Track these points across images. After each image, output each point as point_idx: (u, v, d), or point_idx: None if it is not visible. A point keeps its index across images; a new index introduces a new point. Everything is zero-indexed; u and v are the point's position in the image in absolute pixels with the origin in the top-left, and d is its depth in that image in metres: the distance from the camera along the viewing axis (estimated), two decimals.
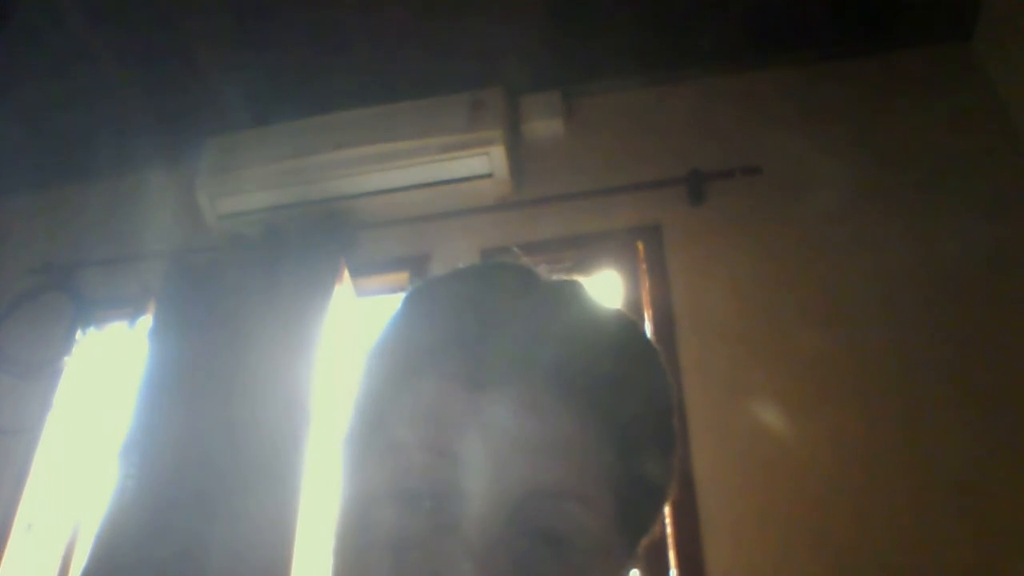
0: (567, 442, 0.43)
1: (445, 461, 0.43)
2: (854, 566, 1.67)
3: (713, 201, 2.19)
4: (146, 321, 2.34)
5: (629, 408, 0.46)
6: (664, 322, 2.03)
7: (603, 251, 2.20)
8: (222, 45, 2.40)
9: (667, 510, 1.79)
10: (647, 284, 2.12)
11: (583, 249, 2.20)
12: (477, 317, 0.46)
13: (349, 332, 2.15)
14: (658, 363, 0.51)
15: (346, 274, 2.22)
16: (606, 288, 2.13)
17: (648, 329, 2.04)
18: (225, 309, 2.14)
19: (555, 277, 0.52)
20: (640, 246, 2.18)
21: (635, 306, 2.08)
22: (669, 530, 1.78)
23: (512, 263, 0.53)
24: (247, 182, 2.39)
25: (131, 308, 2.45)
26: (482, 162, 2.27)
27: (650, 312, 2.07)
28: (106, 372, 2.46)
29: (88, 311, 2.49)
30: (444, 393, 0.44)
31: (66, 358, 2.43)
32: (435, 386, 0.45)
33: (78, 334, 2.45)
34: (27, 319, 2.50)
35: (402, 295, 0.54)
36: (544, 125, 2.43)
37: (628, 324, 0.52)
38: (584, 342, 0.47)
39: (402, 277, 2.33)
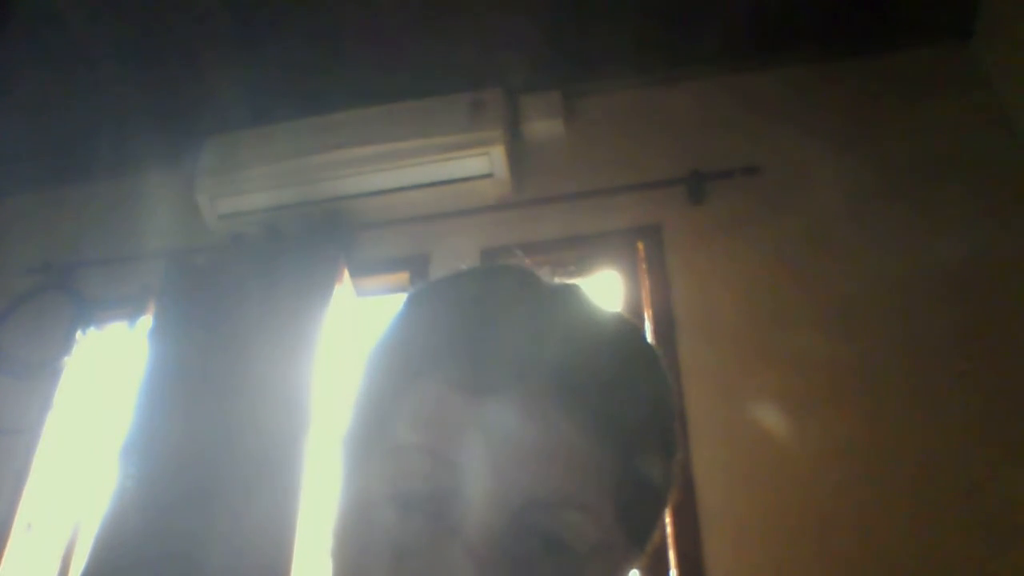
0: (567, 449, 0.43)
1: (446, 467, 0.43)
2: (854, 566, 1.67)
3: (713, 201, 2.19)
4: (146, 321, 2.34)
5: (629, 413, 0.46)
6: (664, 322, 2.03)
7: (603, 251, 2.20)
8: (222, 45, 2.40)
9: (667, 510, 1.79)
10: (647, 284, 2.11)
11: (583, 249, 2.20)
12: (478, 321, 0.46)
13: (349, 332, 2.14)
14: (659, 367, 0.51)
15: (346, 274, 2.22)
16: (606, 288, 2.13)
17: (648, 329, 2.04)
18: (225, 309, 2.14)
19: (556, 281, 0.52)
20: (640, 246, 2.18)
21: (635, 306, 2.08)
22: (669, 530, 1.78)
23: (514, 266, 0.53)
24: (247, 182, 2.39)
25: (131, 308, 2.45)
26: (482, 162, 2.27)
27: (650, 312, 2.07)
28: (106, 372, 2.46)
29: (88, 311, 2.49)
30: (445, 398, 0.44)
31: (66, 358, 2.43)
32: (436, 391, 0.45)
33: (78, 334, 2.45)
34: (27, 319, 2.50)
35: (403, 296, 0.54)
36: (544, 125, 2.43)
37: (629, 328, 0.52)
38: (585, 347, 0.47)
39: (402, 277, 2.33)
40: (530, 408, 0.43)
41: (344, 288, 2.20)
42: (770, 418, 1.83)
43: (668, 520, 1.78)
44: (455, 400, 0.44)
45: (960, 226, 1.97)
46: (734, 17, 2.27)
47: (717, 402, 1.88)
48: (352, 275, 2.25)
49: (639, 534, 0.49)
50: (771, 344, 1.95)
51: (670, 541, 1.77)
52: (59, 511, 2.25)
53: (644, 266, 2.15)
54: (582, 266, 2.16)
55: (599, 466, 0.44)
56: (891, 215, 2.05)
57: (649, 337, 2.00)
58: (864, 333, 1.91)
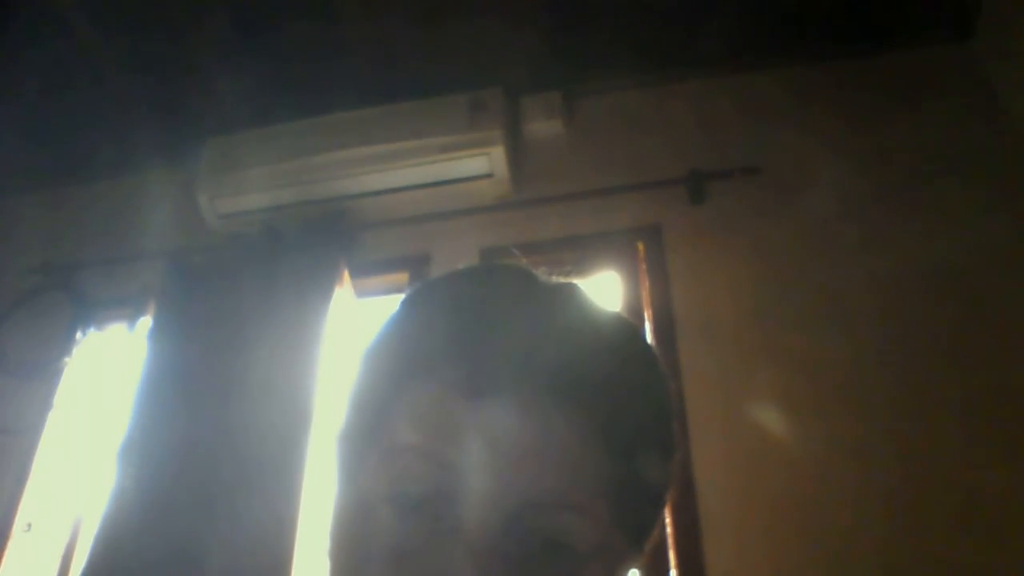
0: (564, 450, 0.43)
1: (443, 468, 0.43)
2: (853, 565, 1.67)
3: (713, 201, 2.19)
4: (146, 321, 2.34)
5: (627, 413, 0.46)
6: (664, 322, 2.03)
7: (603, 251, 2.20)
8: (222, 45, 2.40)
9: (667, 511, 1.79)
10: (647, 284, 2.11)
11: (583, 249, 2.20)
12: (476, 321, 0.46)
13: (349, 332, 2.14)
14: (657, 367, 0.51)
15: (346, 274, 2.22)
16: (606, 289, 2.13)
17: (648, 329, 2.04)
18: (225, 309, 2.14)
19: (554, 280, 0.52)
20: (640, 246, 2.18)
21: (635, 306, 2.08)
22: (669, 530, 1.78)
23: (511, 265, 0.53)
24: (247, 182, 2.39)
25: (131, 308, 2.45)
26: (482, 162, 2.27)
27: (650, 312, 2.06)
28: (106, 372, 2.46)
29: (88, 311, 2.49)
30: (443, 400, 0.44)
31: (66, 358, 2.43)
32: (434, 392, 0.45)
33: (78, 334, 2.45)
34: (27, 319, 2.50)
35: (401, 296, 0.53)
36: (544, 125, 2.43)
37: (627, 328, 0.52)
38: (583, 347, 0.47)
39: (402, 277, 2.33)
40: (528, 409, 0.43)
41: (344, 288, 2.20)
42: (770, 418, 1.83)
43: (668, 520, 1.79)
44: (452, 401, 0.44)
45: (960, 225, 1.97)
46: (734, 17, 2.27)
47: (717, 402, 1.88)
48: (352, 275, 2.25)
49: (637, 534, 0.49)
50: (771, 344, 1.94)
51: (670, 541, 1.77)
52: (59, 511, 2.25)
53: (644, 266, 2.15)
54: (582, 266, 2.16)
55: (597, 467, 0.44)
56: (891, 214, 2.05)
57: (649, 337, 1.99)
58: (865, 333, 1.91)
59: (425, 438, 0.44)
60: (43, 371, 2.40)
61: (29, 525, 2.23)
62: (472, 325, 0.46)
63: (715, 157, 2.23)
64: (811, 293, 2.00)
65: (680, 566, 1.73)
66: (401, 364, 0.48)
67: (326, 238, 2.28)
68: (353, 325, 2.18)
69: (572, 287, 0.51)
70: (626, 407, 0.46)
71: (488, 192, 2.33)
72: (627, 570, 0.48)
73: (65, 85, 2.50)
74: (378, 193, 2.37)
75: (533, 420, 0.43)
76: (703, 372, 1.92)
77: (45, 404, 2.37)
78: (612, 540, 0.45)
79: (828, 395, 1.85)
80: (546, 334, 0.46)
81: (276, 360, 1.99)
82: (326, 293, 2.13)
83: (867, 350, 1.89)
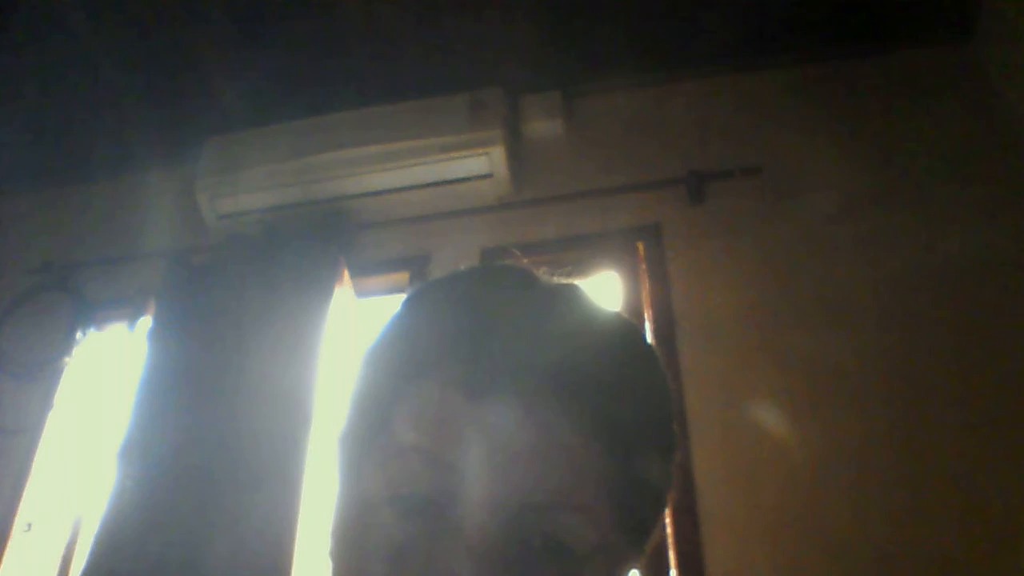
0: (565, 451, 0.43)
1: (444, 469, 0.43)
2: (853, 565, 1.67)
3: (713, 201, 2.19)
4: (146, 321, 2.35)
5: (628, 414, 0.46)
6: (664, 322, 2.03)
7: (603, 251, 2.20)
8: (223, 45, 2.40)
9: (667, 511, 1.78)
10: (647, 284, 2.11)
11: (583, 249, 2.20)
12: (477, 322, 0.46)
13: (349, 332, 2.14)
14: (658, 368, 0.51)
15: (346, 274, 2.22)
16: (606, 289, 2.13)
17: (648, 329, 2.04)
18: (225, 309, 2.13)
19: (555, 280, 0.52)
20: (640, 246, 2.18)
21: (635, 306, 2.08)
22: (669, 530, 1.78)
23: (512, 266, 0.53)
24: (247, 182, 2.39)
25: (131, 308, 2.45)
26: (482, 162, 2.27)
27: (650, 312, 2.07)
28: (106, 372, 2.46)
29: (88, 311, 2.49)
30: (444, 400, 0.44)
31: (66, 358, 2.43)
32: (435, 393, 0.45)
33: (78, 334, 2.45)
34: (27, 319, 2.50)
35: (402, 296, 0.54)
36: (544, 125, 2.43)
37: (628, 329, 0.52)
38: (584, 348, 0.47)
39: (402, 277, 2.33)
40: (528, 409, 0.43)
41: (344, 288, 2.20)
42: (770, 418, 1.83)
43: (668, 520, 1.79)
44: (453, 401, 0.44)
45: (960, 226, 1.97)
46: (734, 17, 2.27)
47: (717, 402, 1.88)
48: (352, 275, 2.25)
49: (638, 535, 0.49)
50: (771, 344, 1.94)
51: (670, 541, 1.77)
52: (59, 511, 2.25)
53: (644, 266, 2.15)
54: (582, 266, 2.16)
55: (597, 467, 0.44)
56: (891, 215, 2.05)
57: (649, 337, 1.99)
58: (865, 333, 1.91)
59: (426, 439, 0.44)
60: (43, 371, 2.40)
61: (29, 525, 2.23)
62: (473, 326, 0.46)
63: (715, 157, 2.23)
64: (811, 293, 2.00)
65: (680, 566, 1.73)
66: (402, 364, 0.48)
67: (326, 238, 2.28)
68: (353, 325, 2.18)
69: (572, 287, 0.51)
70: (626, 406, 0.46)
71: (488, 192, 2.33)
72: (627, 571, 0.48)
73: (65, 85, 2.50)
74: (378, 193, 2.37)
75: (534, 420, 0.43)
76: (703, 372, 1.92)
77: (45, 404, 2.37)
78: (612, 541, 0.45)
79: (828, 395, 1.85)
80: (547, 334, 0.46)
81: (276, 360, 1.99)
82: (326, 293, 2.13)
83: (867, 350, 1.89)
